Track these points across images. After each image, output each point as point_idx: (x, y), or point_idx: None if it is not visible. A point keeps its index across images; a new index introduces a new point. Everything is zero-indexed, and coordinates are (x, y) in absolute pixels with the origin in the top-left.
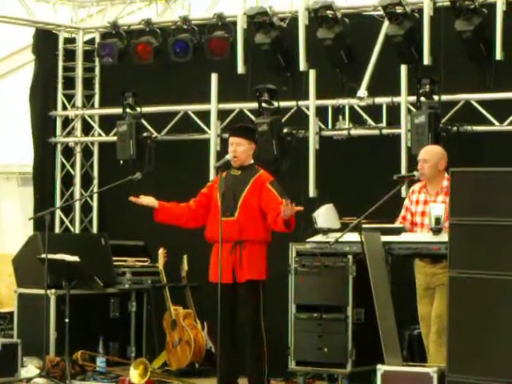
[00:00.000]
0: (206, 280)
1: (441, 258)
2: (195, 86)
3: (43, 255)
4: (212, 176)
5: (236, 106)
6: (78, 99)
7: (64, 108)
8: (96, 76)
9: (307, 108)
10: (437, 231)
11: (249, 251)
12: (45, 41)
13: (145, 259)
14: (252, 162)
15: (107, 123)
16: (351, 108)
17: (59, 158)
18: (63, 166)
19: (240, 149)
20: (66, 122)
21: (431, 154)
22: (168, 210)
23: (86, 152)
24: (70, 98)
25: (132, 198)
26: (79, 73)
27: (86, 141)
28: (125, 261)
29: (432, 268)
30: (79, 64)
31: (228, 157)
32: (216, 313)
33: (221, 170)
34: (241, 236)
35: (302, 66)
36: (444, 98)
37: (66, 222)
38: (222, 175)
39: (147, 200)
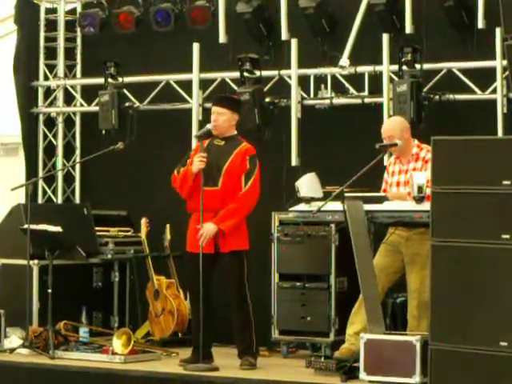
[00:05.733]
0: None
1: (424, 227)
2: (177, 56)
3: (25, 226)
4: (194, 145)
5: (218, 75)
6: (60, 69)
7: (46, 78)
8: (78, 46)
9: (289, 77)
10: (419, 200)
11: None
12: (26, 11)
13: (127, 229)
14: (235, 132)
15: (89, 93)
16: (333, 77)
17: (41, 128)
18: (45, 136)
19: (221, 118)
20: (48, 92)
21: (388, 130)
22: None
23: (68, 122)
24: (51, 68)
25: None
26: (61, 43)
27: (68, 111)
28: (107, 231)
29: (408, 232)
30: (61, 34)
31: (209, 126)
32: (190, 282)
33: (202, 139)
34: (223, 206)
35: (284, 35)
36: (426, 66)
37: (49, 192)
38: (202, 144)
39: None
